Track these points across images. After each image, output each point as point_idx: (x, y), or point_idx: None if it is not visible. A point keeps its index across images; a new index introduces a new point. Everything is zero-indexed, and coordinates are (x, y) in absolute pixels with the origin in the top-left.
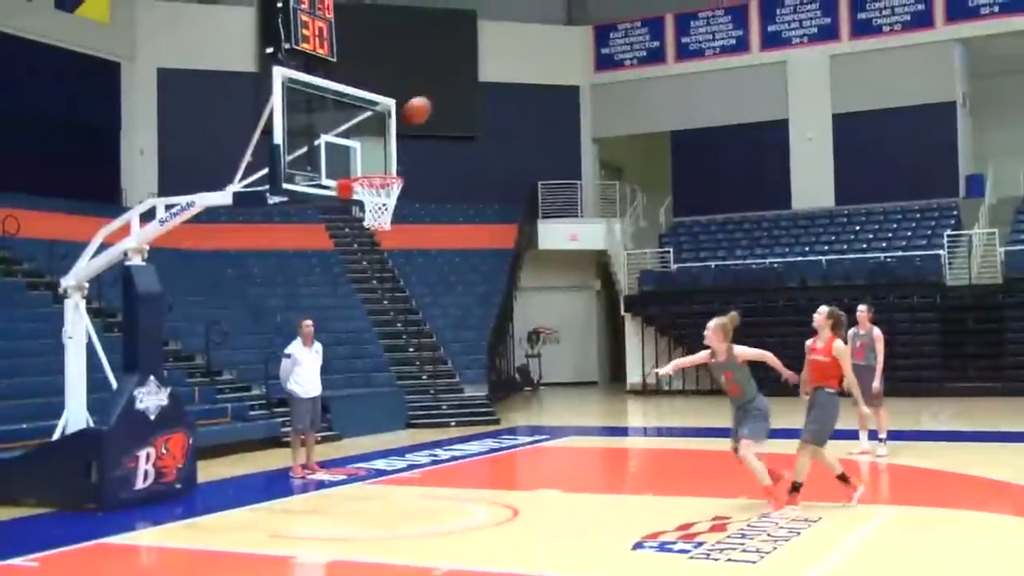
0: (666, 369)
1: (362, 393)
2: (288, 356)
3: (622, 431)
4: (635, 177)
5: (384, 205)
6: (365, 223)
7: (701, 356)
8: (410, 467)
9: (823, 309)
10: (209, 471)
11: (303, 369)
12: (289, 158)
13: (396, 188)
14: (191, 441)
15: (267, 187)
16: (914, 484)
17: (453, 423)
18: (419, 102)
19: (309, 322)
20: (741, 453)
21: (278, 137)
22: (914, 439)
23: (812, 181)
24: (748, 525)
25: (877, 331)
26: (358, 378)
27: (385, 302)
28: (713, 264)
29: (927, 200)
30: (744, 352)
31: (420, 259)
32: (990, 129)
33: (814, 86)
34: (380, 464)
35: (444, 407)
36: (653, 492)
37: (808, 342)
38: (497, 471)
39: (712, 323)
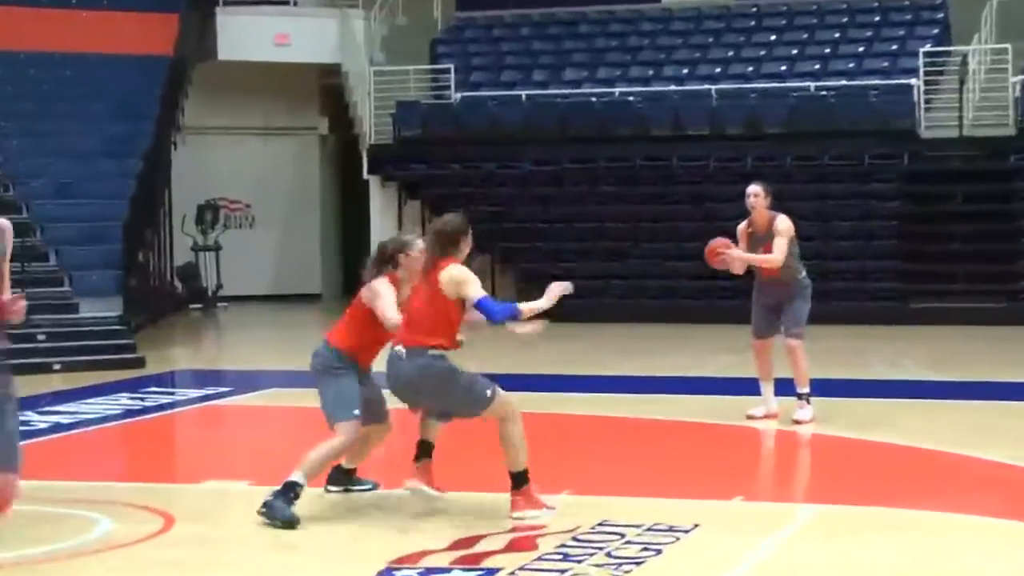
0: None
1: None
2: None
3: None
4: None
5: None
6: None
7: None
8: None
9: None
10: None
11: None
12: None
13: None
14: None
15: None
16: (852, 468)
17: (58, 366)
18: None
19: None
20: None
21: None
22: (857, 395)
23: None
24: (573, 539)
25: (784, 221)
26: None
27: None
28: (524, 94)
29: None
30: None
31: (2, 69)
32: None
33: None
34: None
35: (41, 337)
36: (409, 487)
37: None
38: (137, 450)
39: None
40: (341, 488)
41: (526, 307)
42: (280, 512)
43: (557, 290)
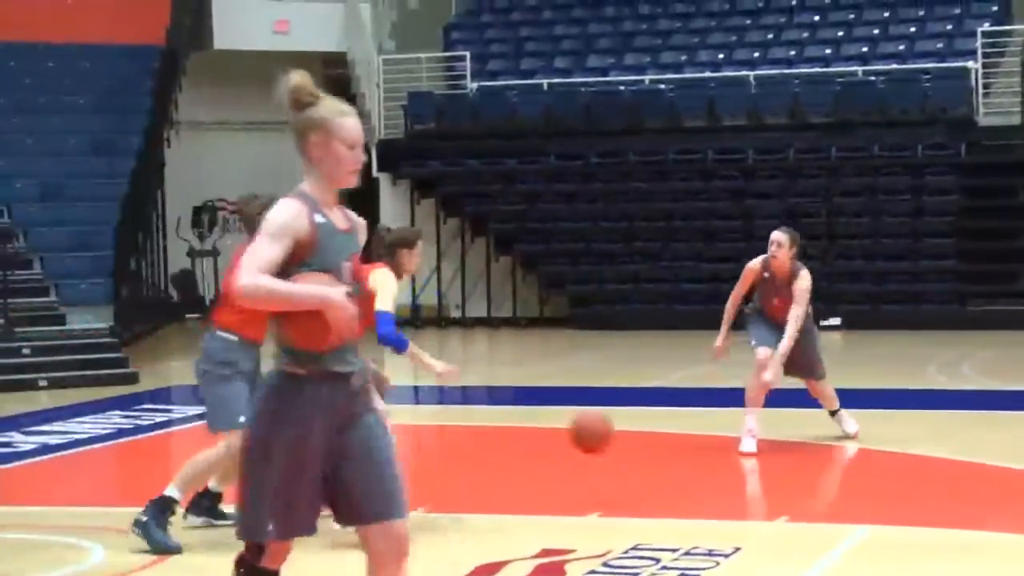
0: None
1: None
2: None
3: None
4: None
5: None
6: None
7: None
8: None
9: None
10: None
11: None
12: None
13: None
14: None
15: None
16: (906, 486)
17: (44, 382)
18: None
19: None
20: None
21: None
22: (911, 406)
23: None
24: (604, 564)
25: (806, 279)
26: None
27: None
28: (546, 83)
29: None
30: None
31: None
32: None
33: None
34: None
35: (26, 351)
36: (427, 509)
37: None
38: (131, 472)
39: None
40: (203, 521)
41: (415, 351)
42: (155, 538)
43: (444, 374)
